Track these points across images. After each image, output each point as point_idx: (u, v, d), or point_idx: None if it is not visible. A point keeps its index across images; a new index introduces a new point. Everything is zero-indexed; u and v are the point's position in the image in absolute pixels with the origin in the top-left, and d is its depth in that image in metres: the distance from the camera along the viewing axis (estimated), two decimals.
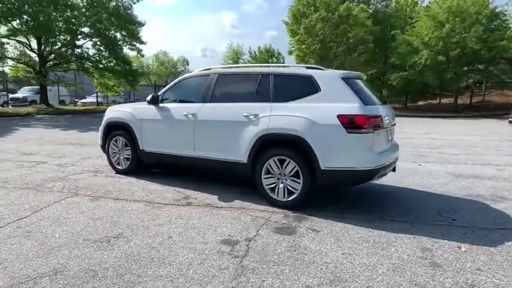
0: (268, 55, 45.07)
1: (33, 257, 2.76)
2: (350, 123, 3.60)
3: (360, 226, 3.48)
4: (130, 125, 5.25)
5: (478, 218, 3.76)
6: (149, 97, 5.00)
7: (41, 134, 11.13)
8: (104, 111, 6.24)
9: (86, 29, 22.10)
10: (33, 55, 23.19)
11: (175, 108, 4.87)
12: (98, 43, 22.51)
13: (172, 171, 5.67)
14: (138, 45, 26.03)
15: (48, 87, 24.50)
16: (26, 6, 17.85)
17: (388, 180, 4.93)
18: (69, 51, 22.39)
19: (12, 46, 21.49)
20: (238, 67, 4.85)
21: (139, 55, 26.93)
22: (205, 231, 3.34)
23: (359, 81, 4.19)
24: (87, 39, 22.53)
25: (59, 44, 21.37)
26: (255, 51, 46.00)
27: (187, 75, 5.14)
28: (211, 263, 2.71)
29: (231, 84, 4.67)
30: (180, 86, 5.07)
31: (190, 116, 4.63)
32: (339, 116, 3.64)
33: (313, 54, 27.56)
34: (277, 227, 3.46)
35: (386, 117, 4.06)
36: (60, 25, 20.22)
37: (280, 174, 3.99)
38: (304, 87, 4.02)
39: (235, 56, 52.64)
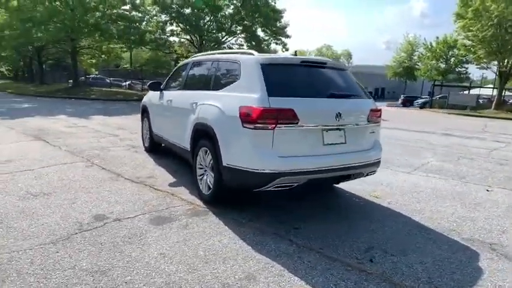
0: (448, 46, 38.85)
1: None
2: (246, 116, 3.10)
3: (243, 237, 3.02)
4: (148, 108, 6.00)
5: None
6: (148, 83, 5.58)
7: None
8: None
9: (233, 28, 25.06)
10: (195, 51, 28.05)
11: (166, 94, 5.25)
12: (243, 39, 25.14)
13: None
14: (283, 39, 27.59)
15: None
16: (187, 11, 21.98)
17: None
18: (222, 47, 25.91)
19: (177, 43, 26.68)
20: (208, 54, 4.75)
21: (283, 49, 28.43)
22: (101, 202, 3.66)
23: (299, 68, 3.45)
24: (233, 36, 25.52)
25: (213, 42, 25.08)
26: (430, 43, 40.55)
27: (181, 63, 5.42)
28: (58, 231, 3.02)
29: (197, 72, 4.67)
30: (174, 74, 5.42)
31: (169, 102, 4.93)
32: (240, 108, 3.18)
33: (482, 43, 22.06)
34: (163, 215, 3.40)
35: (322, 114, 3.24)
36: (212, 25, 23.74)
37: (206, 166, 3.81)
38: (232, 75, 3.68)
39: (410, 48, 47.82)
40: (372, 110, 3.61)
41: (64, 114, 12.21)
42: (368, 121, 3.58)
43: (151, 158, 5.80)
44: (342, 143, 3.38)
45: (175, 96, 4.82)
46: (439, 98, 31.58)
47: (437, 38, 40.22)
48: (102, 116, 12.49)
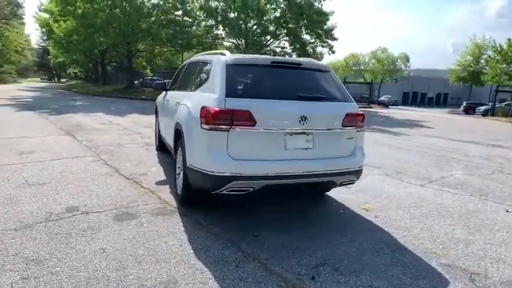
0: None
1: None
2: (204, 117, 3.04)
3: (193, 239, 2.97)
4: (157, 108, 6.20)
5: None
6: (153, 83, 5.74)
7: None
8: None
9: (278, 31, 25.01)
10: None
11: (167, 95, 5.37)
12: (287, 42, 24.97)
13: None
14: (330, 41, 26.91)
15: None
16: (232, 15, 22.43)
17: None
18: (265, 50, 26.00)
19: (222, 47, 27.29)
20: (200, 55, 4.73)
21: (330, 52, 27.70)
22: (82, 195, 3.84)
23: (269, 69, 3.29)
24: (277, 40, 25.43)
25: (257, 45, 25.25)
26: (500, 45, 36.72)
27: (183, 63, 5.50)
28: (26, 219, 3.23)
29: (187, 73, 4.71)
30: (176, 74, 5.52)
31: (167, 102, 5.04)
32: (201, 108, 3.12)
33: None
34: (129, 212, 3.47)
35: (283, 117, 3.06)
36: (256, 29, 23.93)
37: (179, 167, 3.81)
38: (206, 75, 3.63)
39: (477, 51, 43.90)
40: (348, 115, 3.32)
41: (104, 112, 13.12)
42: (343, 126, 3.31)
43: (157, 157, 5.98)
44: (308, 148, 3.16)
45: (171, 96, 4.92)
46: (505, 105, 28.39)
47: (510, 39, 36.19)
48: (138, 114, 13.22)
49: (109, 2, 22.89)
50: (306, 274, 2.53)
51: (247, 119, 2.94)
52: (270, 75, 3.32)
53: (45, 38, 44.76)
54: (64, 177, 4.51)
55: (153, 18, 23.99)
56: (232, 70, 3.21)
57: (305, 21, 24.37)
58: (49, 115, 11.21)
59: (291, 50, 25.77)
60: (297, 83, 3.38)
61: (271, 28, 25.41)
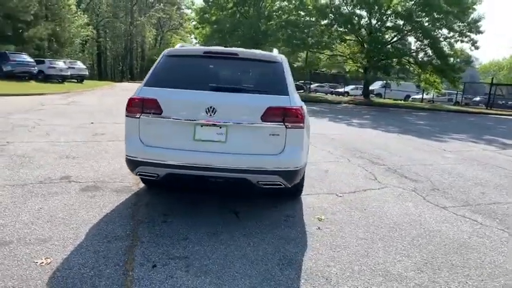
0: None
1: None
2: (126, 105, 3.28)
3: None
4: None
5: None
6: None
7: None
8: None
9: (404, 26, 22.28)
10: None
11: None
12: (414, 38, 22.03)
13: None
14: (473, 35, 22.55)
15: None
16: (345, 11, 21.32)
17: None
18: (389, 48, 23.61)
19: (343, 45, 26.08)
20: None
21: (473, 47, 23.03)
22: (89, 169, 4.64)
23: (200, 59, 3.27)
24: (401, 34, 22.65)
25: (378, 43, 23.17)
26: None
27: None
28: (28, 180, 4.20)
29: None
30: None
31: None
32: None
33: None
34: (98, 186, 4.06)
35: (189, 107, 3.06)
36: (374, 23, 21.94)
37: None
38: None
39: None
40: (270, 109, 2.99)
41: None
42: (263, 121, 3.00)
43: None
44: (220, 141, 3.03)
45: None
46: None
47: None
48: None
49: (236, 8, 25.27)
50: (158, 261, 2.52)
51: (154, 107, 3.06)
52: (201, 65, 3.32)
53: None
54: (98, 155, 5.51)
55: (273, 22, 25.25)
56: (167, 61, 3.36)
57: (438, 14, 21.04)
58: None
59: (416, 47, 22.72)
60: (225, 73, 3.26)
61: (393, 23, 22.97)
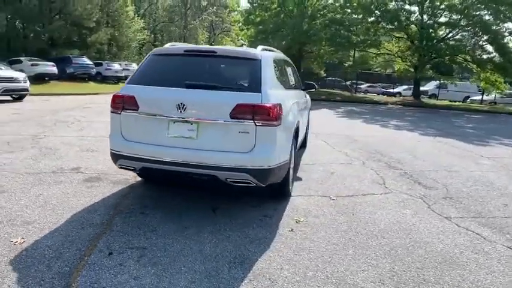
0: None
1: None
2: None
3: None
4: None
5: None
6: None
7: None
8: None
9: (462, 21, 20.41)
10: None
11: None
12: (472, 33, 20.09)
13: None
14: None
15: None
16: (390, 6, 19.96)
17: None
18: (442, 45, 21.84)
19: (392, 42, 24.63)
20: None
21: None
22: (101, 163, 4.97)
23: (181, 58, 3.36)
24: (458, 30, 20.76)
25: (430, 40, 21.55)
26: None
27: None
28: (44, 169, 4.62)
29: None
30: None
31: None
32: None
33: None
34: (100, 177, 4.35)
35: (162, 103, 3.16)
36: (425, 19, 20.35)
37: None
38: None
39: None
40: (239, 106, 2.95)
41: None
42: (232, 118, 2.98)
43: None
44: (190, 138, 3.07)
45: None
46: None
47: None
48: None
49: (281, 8, 25.22)
50: (116, 250, 2.64)
51: (132, 103, 3.21)
52: (181, 63, 3.40)
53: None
54: None
55: (317, 21, 24.77)
56: (152, 59, 3.50)
57: (501, 6, 18.99)
58: None
59: (473, 43, 20.66)
60: (203, 70, 3.29)
61: (447, 18, 21.16)
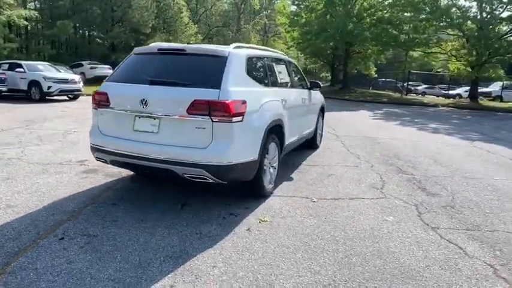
0: None
1: None
2: None
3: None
4: None
5: None
6: None
7: (335, 121, 13.16)
8: None
9: None
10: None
11: None
12: None
13: None
14: None
15: None
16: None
17: None
18: (502, 42, 19.46)
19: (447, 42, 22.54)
20: None
21: None
22: None
23: (155, 56, 3.47)
24: None
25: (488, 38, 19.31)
26: None
27: None
28: (53, 160, 5.05)
29: None
30: None
31: None
32: None
33: None
34: (98, 169, 4.63)
35: (128, 99, 3.30)
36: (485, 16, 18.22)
37: None
38: None
39: None
40: (196, 102, 2.95)
41: None
42: (189, 114, 2.99)
43: None
44: (152, 132, 3.16)
45: None
46: None
47: None
48: None
49: (326, 9, 24.61)
50: (69, 236, 2.81)
51: (105, 100, 3.39)
52: (153, 61, 3.50)
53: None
54: None
55: (363, 21, 23.74)
56: (132, 58, 3.67)
57: None
58: None
59: None
60: (171, 68, 3.35)
61: (511, 12, 18.80)
